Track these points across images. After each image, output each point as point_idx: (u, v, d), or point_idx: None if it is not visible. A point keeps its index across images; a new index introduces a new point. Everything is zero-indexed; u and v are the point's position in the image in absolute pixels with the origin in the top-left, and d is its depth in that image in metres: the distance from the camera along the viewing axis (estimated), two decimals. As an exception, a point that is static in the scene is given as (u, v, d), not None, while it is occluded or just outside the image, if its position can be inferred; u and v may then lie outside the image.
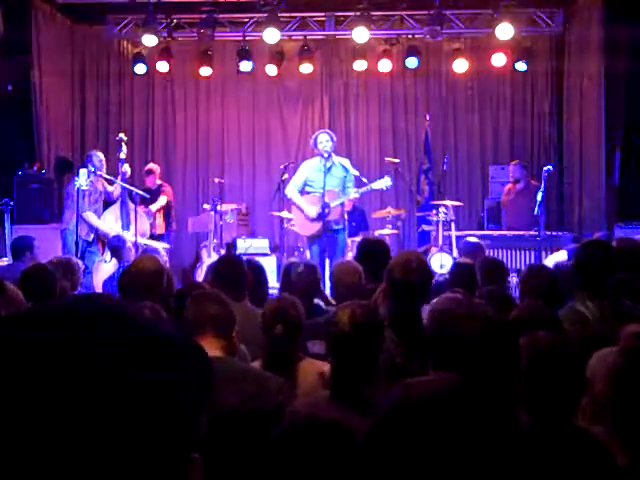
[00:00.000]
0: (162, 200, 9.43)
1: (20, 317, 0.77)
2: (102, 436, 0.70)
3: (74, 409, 0.70)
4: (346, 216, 8.20)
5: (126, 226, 8.40)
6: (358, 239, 8.95)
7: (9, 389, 0.70)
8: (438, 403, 1.17)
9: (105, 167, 8.54)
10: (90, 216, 8.17)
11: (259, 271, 4.73)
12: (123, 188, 8.49)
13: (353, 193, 8.03)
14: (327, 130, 8.40)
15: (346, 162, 8.20)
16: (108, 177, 8.53)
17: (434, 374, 2.20)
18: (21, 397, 0.70)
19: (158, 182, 9.74)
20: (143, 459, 0.72)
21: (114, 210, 8.54)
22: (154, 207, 9.27)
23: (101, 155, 8.55)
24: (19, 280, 4.22)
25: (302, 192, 8.09)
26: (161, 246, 7.97)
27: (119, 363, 0.72)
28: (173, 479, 0.75)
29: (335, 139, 8.13)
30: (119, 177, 8.51)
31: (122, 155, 8.56)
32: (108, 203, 8.67)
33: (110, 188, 8.64)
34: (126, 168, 8.56)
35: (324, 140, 7.94)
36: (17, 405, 0.70)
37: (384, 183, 8.09)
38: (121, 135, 8.78)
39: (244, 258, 4.69)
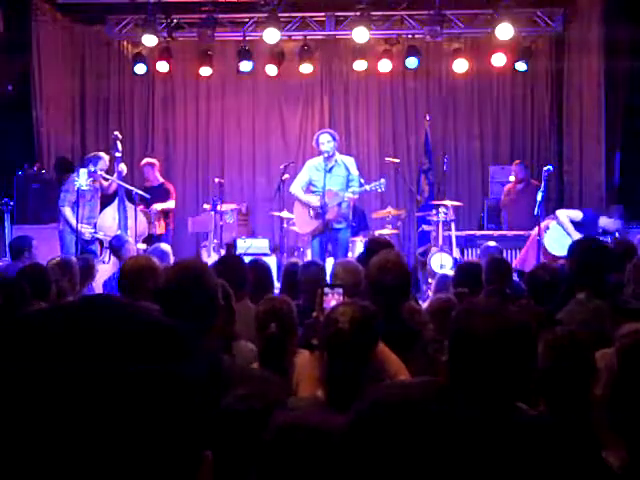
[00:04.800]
0: (170, 204, 9.42)
1: (29, 317, 0.77)
2: (111, 432, 0.70)
3: (83, 406, 0.70)
4: (350, 215, 8.19)
5: (123, 226, 8.38)
6: (358, 239, 8.98)
7: (21, 386, 0.71)
8: (410, 406, 1.17)
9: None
10: (67, 211, 8.17)
11: (265, 271, 4.73)
12: (120, 187, 8.47)
13: (348, 193, 8.02)
14: (329, 130, 8.39)
15: (349, 161, 8.19)
16: (106, 176, 8.51)
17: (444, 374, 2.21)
18: (37, 393, 0.70)
19: (160, 179, 9.67)
20: (153, 455, 0.72)
21: (112, 210, 8.53)
22: (159, 206, 9.21)
23: (107, 160, 8.51)
24: (15, 279, 4.20)
25: (306, 191, 8.12)
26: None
27: (127, 359, 0.73)
28: (183, 476, 0.75)
29: (338, 138, 8.14)
30: (115, 175, 8.50)
31: (118, 154, 8.54)
32: (104, 197, 8.65)
33: (105, 183, 8.62)
34: (122, 167, 8.55)
35: (325, 141, 7.94)
36: (31, 401, 0.70)
37: (379, 185, 8.09)
38: (116, 133, 8.77)
39: (250, 258, 4.70)
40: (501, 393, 1.97)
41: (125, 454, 0.71)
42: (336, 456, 1.32)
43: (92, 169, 8.26)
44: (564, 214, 7.71)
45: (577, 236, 7.10)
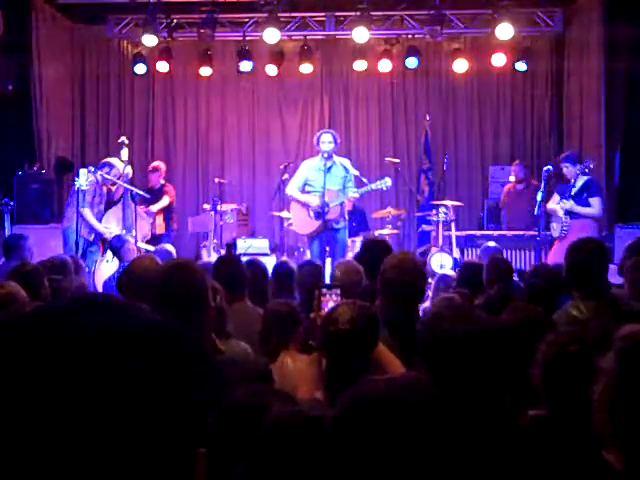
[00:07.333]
0: (164, 201, 9.40)
1: (22, 320, 0.77)
2: (107, 431, 0.70)
3: (78, 406, 0.70)
4: (347, 215, 8.19)
5: (128, 229, 8.39)
6: (358, 239, 8.98)
7: (20, 386, 0.71)
8: (393, 400, 1.17)
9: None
10: (87, 212, 8.17)
11: (261, 271, 4.73)
12: (125, 191, 8.49)
13: (352, 193, 8.03)
14: (332, 131, 8.36)
15: (346, 162, 8.20)
16: (115, 180, 8.51)
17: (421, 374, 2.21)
18: (33, 395, 0.70)
19: (162, 181, 9.71)
20: (148, 454, 0.72)
21: (115, 213, 8.53)
22: (155, 207, 9.23)
23: (120, 168, 8.49)
24: (5, 279, 4.15)
25: (302, 191, 8.10)
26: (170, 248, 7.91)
27: (126, 359, 0.73)
28: (178, 474, 0.75)
29: (339, 141, 8.13)
30: (122, 178, 8.51)
31: (124, 157, 8.56)
32: (110, 202, 8.66)
33: (113, 189, 8.65)
34: (128, 170, 8.58)
35: (326, 141, 7.93)
36: (30, 403, 0.70)
37: (384, 184, 8.09)
38: (123, 138, 8.78)
39: (247, 258, 4.68)
40: (475, 394, 1.98)
41: (121, 452, 0.71)
42: (325, 451, 1.32)
43: (106, 175, 8.27)
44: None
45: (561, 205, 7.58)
